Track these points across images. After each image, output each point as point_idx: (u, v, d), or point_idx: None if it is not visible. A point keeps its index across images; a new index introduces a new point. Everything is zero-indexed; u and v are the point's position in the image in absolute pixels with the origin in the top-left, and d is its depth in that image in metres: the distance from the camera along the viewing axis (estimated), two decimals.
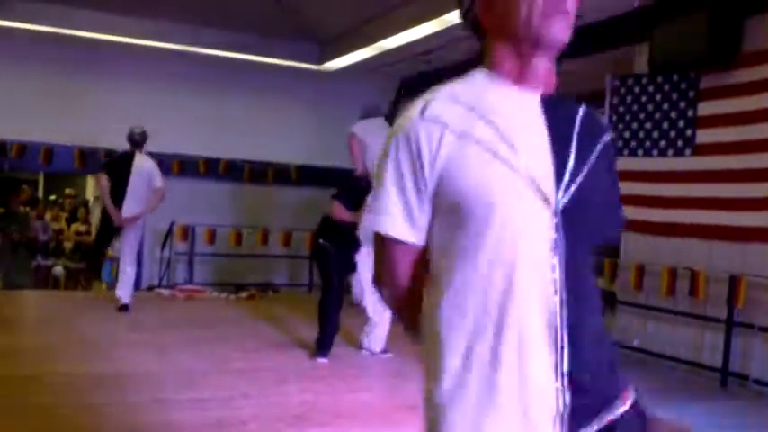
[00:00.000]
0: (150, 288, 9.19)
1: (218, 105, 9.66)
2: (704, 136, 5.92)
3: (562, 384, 1.30)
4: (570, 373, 1.30)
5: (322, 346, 5.50)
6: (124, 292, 7.16)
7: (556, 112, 1.38)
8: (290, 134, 10.03)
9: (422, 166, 1.35)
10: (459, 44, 7.72)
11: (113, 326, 6.50)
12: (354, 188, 5.65)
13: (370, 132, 5.82)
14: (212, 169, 9.68)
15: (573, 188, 1.33)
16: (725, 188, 5.71)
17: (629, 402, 1.42)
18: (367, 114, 6.20)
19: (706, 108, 5.94)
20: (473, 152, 1.31)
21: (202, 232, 9.37)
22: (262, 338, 6.28)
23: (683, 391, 5.38)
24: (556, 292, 1.30)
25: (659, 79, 6.25)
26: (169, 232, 9.35)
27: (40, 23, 8.24)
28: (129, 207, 7.16)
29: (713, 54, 5.68)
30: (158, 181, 7.34)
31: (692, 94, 6.05)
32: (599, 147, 1.42)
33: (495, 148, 1.31)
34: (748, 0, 5.62)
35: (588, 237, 1.39)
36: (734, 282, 5.46)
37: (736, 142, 5.66)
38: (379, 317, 5.68)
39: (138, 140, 7.28)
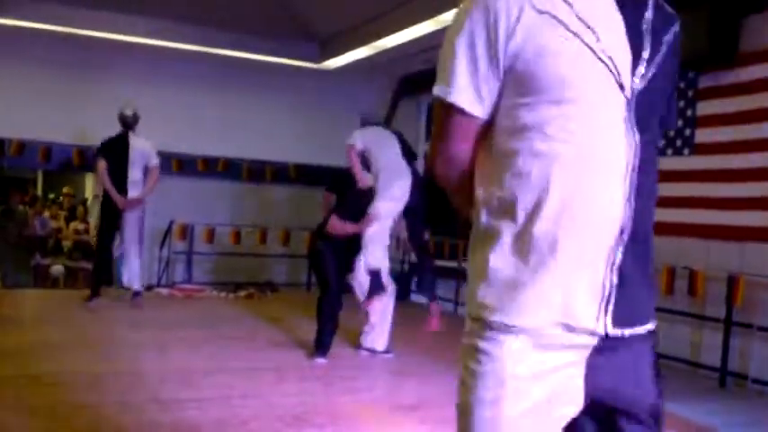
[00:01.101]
0: (149, 287, 9.18)
1: (217, 104, 9.66)
2: (703, 135, 5.93)
3: (610, 272, 1.33)
4: (620, 267, 1.33)
5: (320, 347, 5.49)
6: (134, 279, 7.26)
7: (630, 1, 1.39)
8: (289, 133, 10.02)
9: (497, 38, 1.32)
10: None
11: (112, 325, 6.50)
12: (356, 202, 5.61)
13: (374, 142, 5.67)
14: (211, 168, 9.68)
15: (648, 75, 1.36)
16: (724, 187, 5.72)
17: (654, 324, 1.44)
18: (366, 121, 6.11)
19: (705, 107, 5.95)
20: (552, 28, 1.30)
21: (201, 231, 9.37)
22: (261, 338, 6.28)
23: (681, 390, 5.38)
24: (625, 179, 1.32)
25: None
26: (168, 231, 9.35)
27: (39, 21, 8.23)
28: (132, 188, 7.22)
29: (712, 53, 5.69)
30: (154, 159, 7.33)
31: (690, 93, 6.05)
32: (669, 36, 1.44)
33: (574, 28, 1.30)
34: None
35: (654, 126, 1.41)
36: (732, 281, 5.46)
37: (735, 141, 5.67)
38: (380, 317, 5.67)
39: (129, 121, 7.27)
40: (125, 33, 8.60)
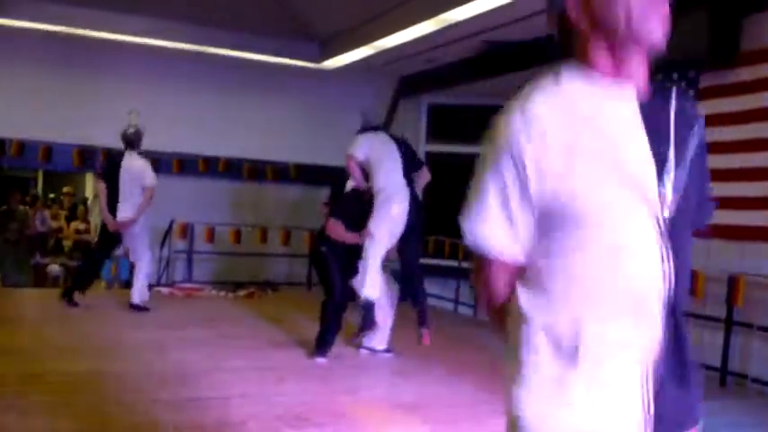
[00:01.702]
0: (149, 287, 9.18)
1: (217, 104, 9.66)
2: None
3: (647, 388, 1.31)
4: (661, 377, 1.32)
5: (322, 346, 5.49)
6: (133, 293, 7.25)
7: (652, 107, 1.37)
8: (289, 132, 10.02)
9: (527, 176, 1.28)
10: (459, 43, 7.74)
11: (112, 325, 6.50)
12: (356, 205, 5.57)
13: (375, 155, 5.58)
14: (211, 167, 9.68)
15: (677, 187, 1.35)
16: (724, 187, 5.71)
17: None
18: (368, 123, 5.93)
19: (705, 107, 5.94)
20: (580, 156, 1.27)
21: (201, 230, 9.37)
22: (261, 337, 6.28)
23: None
24: (661, 304, 1.30)
25: (659, 78, 6.24)
26: (168, 230, 9.35)
27: (39, 22, 8.23)
28: (122, 210, 7.12)
29: (713, 53, 5.69)
30: (148, 180, 7.19)
31: (691, 92, 6.05)
32: (695, 140, 1.44)
33: (600, 152, 1.28)
34: None
35: (688, 229, 1.40)
36: (733, 281, 5.46)
37: (735, 141, 5.67)
38: (382, 316, 5.66)
39: (129, 139, 7.22)
40: (126, 33, 8.60)
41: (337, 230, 5.46)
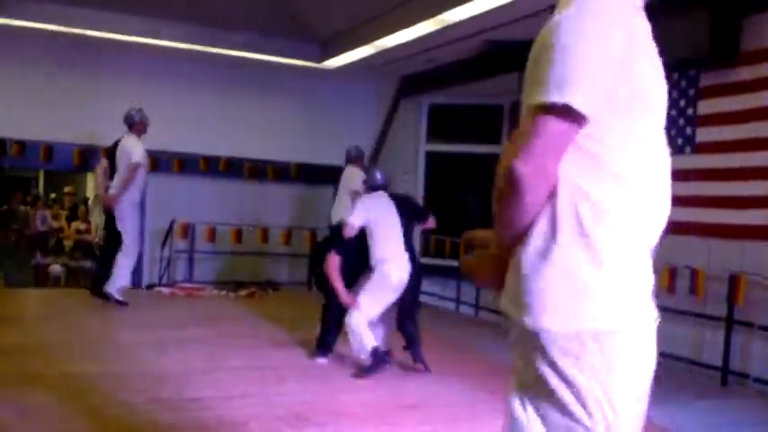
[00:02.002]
0: (150, 286, 9.20)
1: (218, 103, 9.67)
2: (705, 134, 5.92)
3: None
4: None
5: (323, 347, 5.49)
6: (110, 283, 7.20)
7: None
8: (290, 132, 10.03)
9: (619, 56, 1.44)
10: (459, 43, 7.73)
11: (113, 325, 6.50)
12: (360, 239, 5.41)
13: (374, 214, 5.42)
14: (212, 167, 9.68)
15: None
16: (725, 186, 5.71)
17: None
18: (372, 183, 5.68)
19: (706, 106, 5.94)
20: (642, 59, 1.49)
21: (202, 230, 9.38)
22: (262, 337, 6.28)
23: (682, 389, 5.37)
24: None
25: None
26: (169, 230, 9.36)
27: (40, 22, 8.23)
28: (113, 186, 7.27)
29: (713, 52, 5.68)
30: (134, 156, 7.24)
31: (692, 92, 6.04)
32: None
33: (649, 55, 1.52)
34: None
35: None
36: (734, 280, 5.45)
37: (736, 140, 5.66)
38: (382, 317, 5.63)
39: (128, 121, 7.34)
40: (126, 33, 8.60)
41: (333, 270, 5.30)
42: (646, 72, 1.49)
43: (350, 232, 5.33)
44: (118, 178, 7.23)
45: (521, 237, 1.51)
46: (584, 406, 1.47)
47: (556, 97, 1.41)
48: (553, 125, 1.43)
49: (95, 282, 7.45)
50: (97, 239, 10.61)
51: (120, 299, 7.17)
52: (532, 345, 1.50)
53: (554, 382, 1.48)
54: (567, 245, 1.47)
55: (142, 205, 9.33)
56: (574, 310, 1.47)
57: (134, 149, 7.24)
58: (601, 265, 1.47)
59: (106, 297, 7.15)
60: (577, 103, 1.41)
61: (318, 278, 5.73)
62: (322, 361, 5.43)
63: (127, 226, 7.29)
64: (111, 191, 7.25)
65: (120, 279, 7.27)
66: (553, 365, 1.47)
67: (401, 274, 5.28)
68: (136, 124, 7.34)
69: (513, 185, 1.45)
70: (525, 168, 1.43)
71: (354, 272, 5.38)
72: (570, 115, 1.42)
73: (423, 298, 9.24)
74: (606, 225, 1.48)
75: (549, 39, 1.45)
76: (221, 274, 9.80)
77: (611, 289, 1.48)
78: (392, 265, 5.29)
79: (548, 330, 1.47)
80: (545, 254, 1.48)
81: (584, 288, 1.47)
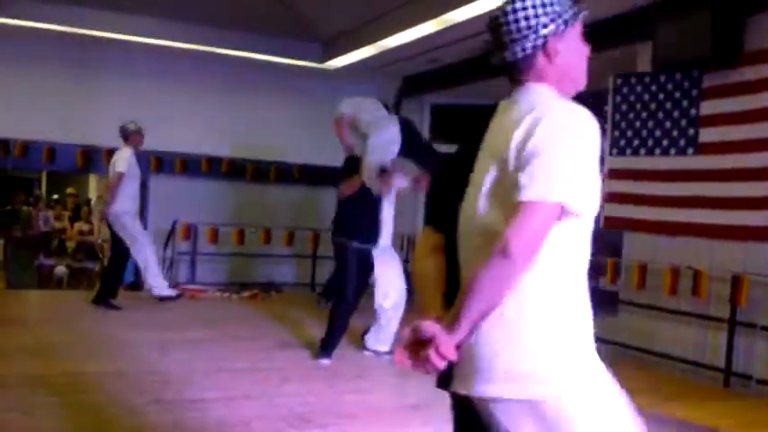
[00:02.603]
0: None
1: (220, 104, 9.66)
2: (707, 135, 5.91)
3: None
4: None
5: (327, 348, 5.46)
6: (150, 286, 7.50)
7: None
8: (292, 133, 10.02)
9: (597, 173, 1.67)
10: (461, 43, 7.73)
11: (115, 326, 6.50)
12: (351, 166, 5.62)
13: (366, 111, 5.64)
14: (215, 168, 9.67)
15: None
16: (728, 187, 5.70)
17: None
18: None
19: (709, 107, 5.93)
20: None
21: (205, 231, 9.38)
22: (264, 338, 6.28)
23: (685, 391, 5.37)
24: None
25: (662, 78, 6.24)
26: (172, 231, 9.36)
27: (43, 22, 8.24)
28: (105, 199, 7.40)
29: (716, 52, 5.67)
30: (118, 166, 7.27)
31: (694, 92, 6.03)
32: None
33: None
34: None
35: None
36: (737, 281, 5.44)
37: (739, 141, 5.65)
38: (387, 318, 5.63)
39: (122, 134, 7.38)
40: (129, 33, 8.61)
41: (351, 186, 5.50)
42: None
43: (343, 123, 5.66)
44: (106, 190, 7.36)
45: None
46: None
47: (553, 197, 1.58)
48: (545, 217, 1.59)
49: (98, 294, 7.38)
50: (100, 240, 10.64)
51: (169, 293, 7.51)
52: (543, 413, 1.65)
53: None
54: (537, 313, 1.66)
55: (142, 210, 9.37)
56: (559, 372, 1.65)
57: (119, 160, 7.28)
58: (567, 328, 1.68)
59: (114, 307, 7.17)
60: (570, 202, 1.60)
61: (342, 261, 5.62)
62: (326, 362, 5.42)
63: (128, 231, 7.32)
64: (102, 204, 7.43)
65: (152, 278, 7.50)
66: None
67: (391, 131, 5.58)
68: (131, 136, 7.35)
69: (508, 261, 1.57)
70: (520, 249, 1.57)
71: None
72: (560, 210, 1.61)
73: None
74: (567, 296, 1.69)
75: (536, 139, 1.62)
76: (224, 276, 9.79)
77: (579, 345, 1.70)
78: (380, 128, 5.50)
79: (544, 395, 1.64)
80: (520, 325, 1.65)
81: (561, 349, 1.66)
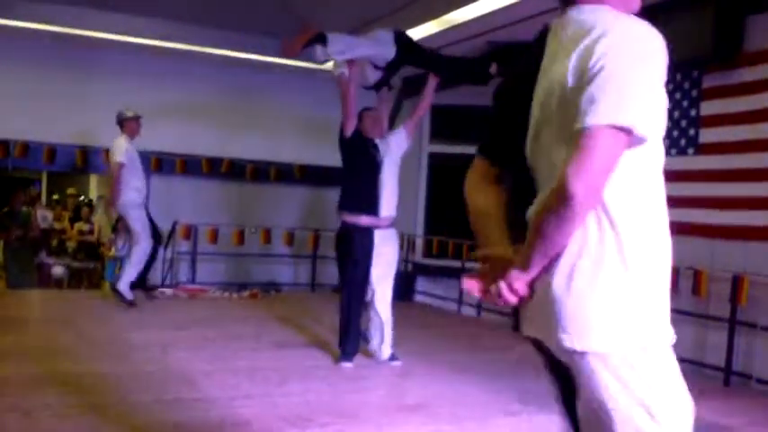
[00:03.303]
0: (153, 287, 9.20)
1: (220, 104, 9.67)
2: (707, 135, 5.92)
3: None
4: None
5: (344, 349, 5.34)
6: (123, 277, 7.24)
7: None
8: (292, 133, 10.03)
9: (662, 79, 1.52)
10: (462, 44, 7.73)
11: (115, 326, 6.51)
12: (361, 187, 5.50)
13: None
14: (215, 168, 9.69)
15: None
16: (728, 187, 5.70)
17: None
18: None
19: (709, 107, 5.93)
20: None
21: (205, 231, 9.38)
22: (264, 338, 6.28)
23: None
24: None
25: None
26: (172, 231, 9.36)
27: (43, 23, 8.25)
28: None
29: (716, 53, 5.67)
30: (116, 156, 7.16)
31: (695, 92, 6.04)
32: None
33: None
34: None
35: None
36: (737, 281, 5.45)
37: (739, 141, 5.66)
38: (387, 319, 5.49)
39: (118, 120, 7.30)
40: (129, 34, 8.62)
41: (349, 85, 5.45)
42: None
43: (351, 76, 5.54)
44: (108, 186, 7.32)
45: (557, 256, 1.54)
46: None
47: (620, 119, 1.42)
48: (612, 145, 1.44)
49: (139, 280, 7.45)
50: (101, 240, 10.64)
51: (130, 298, 7.16)
52: (595, 367, 1.55)
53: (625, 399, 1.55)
54: (612, 263, 1.52)
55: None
56: (630, 327, 1.55)
57: (117, 150, 7.15)
58: (643, 282, 1.55)
59: (118, 295, 7.12)
60: (639, 125, 1.44)
61: (344, 255, 5.48)
62: (347, 365, 5.30)
63: (135, 226, 7.26)
64: (109, 197, 7.33)
65: (127, 276, 7.27)
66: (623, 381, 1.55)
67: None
68: (127, 122, 7.25)
69: (568, 204, 1.44)
70: (582, 188, 1.43)
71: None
72: (628, 136, 1.45)
73: (425, 298, 9.31)
74: (643, 243, 1.55)
75: (599, 57, 1.46)
76: (224, 276, 9.80)
77: (656, 303, 1.59)
78: None
79: (613, 349, 1.54)
80: (594, 274, 1.53)
81: (635, 304, 1.54)
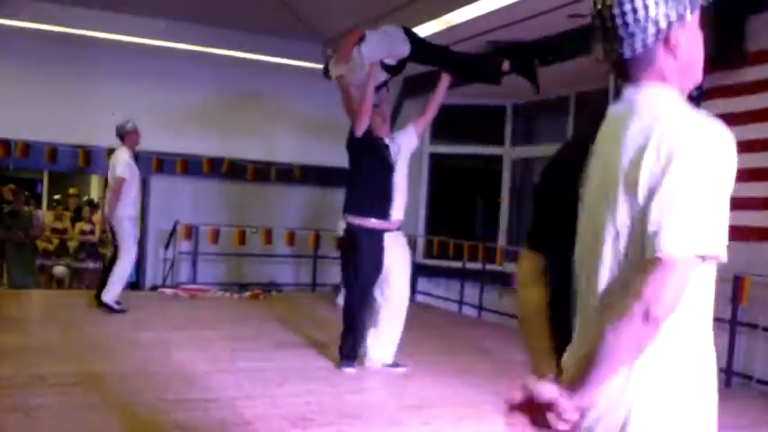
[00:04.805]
0: (154, 288, 9.21)
1: (221, 104, 9.68)
2: None
3: None
4: None
5: (346, 353, 5.23)
6: (110, 287, 7.13)
7: None
8: (293, 133, 10.03)
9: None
10: (462, 44, 7.73)
11: (116, 326, 6.51)
12: (370, 187, 5.36)
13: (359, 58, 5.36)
14: (216, 169, 9.69)
15: None
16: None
17: None
18: None
19: (710, 107, 5.89)
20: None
21: (206, 232, 9.39)
22: (265, 338, 6.28)
23: None
24: None
25: None
26: (173, 232, 9.37)
27: (44, 22, 8.25)
28: (106, 204, 7.29)
29: (717, 53, 5.67)
30: (117, 170, 7.13)
31: (695, 93, 6.02)
32: None
33: None
34: None
35: None
36: (738, 281, 5.44)
37: (741, 142, 5.56)
38: (390, 321, 5.34)
39: (119, 133, 7.27)
40: (132, 34, 8.62)
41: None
42: None
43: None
44: (109, 193, 7.24)
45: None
46: None
47: (703, 249, 1.39)
48: (690, 270, 1.42)
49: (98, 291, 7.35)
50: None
51: (117, 307, 7.07)
52: None
53: None
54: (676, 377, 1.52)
55: (144, 210, 9.36)
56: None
57: (119, 164, 7.14)
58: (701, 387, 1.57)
59: (105, 307, 7.07)
60: (717, 250, 1.41)
61: (349, 254, 5.37)
62: (350, 370, 5.20)
63: (123, 239, 7.18)
64: (105, 207, 7.29)
65: (115, 288, 7.16)
66: None
67: None
68: (128, 135, 7.25)
69: (648, 326, 1.40)
70: (662, 311, 1.40)
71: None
72: (703, 259, 1.42)
73: (426, 299, 9.31)
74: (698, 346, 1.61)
75: (671, 166, 1.38)
76: (225, 276, 9.81)
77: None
78: None
79: None
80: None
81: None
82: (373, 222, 5.26)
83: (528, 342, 1.73)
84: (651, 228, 1.38)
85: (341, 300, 5.83)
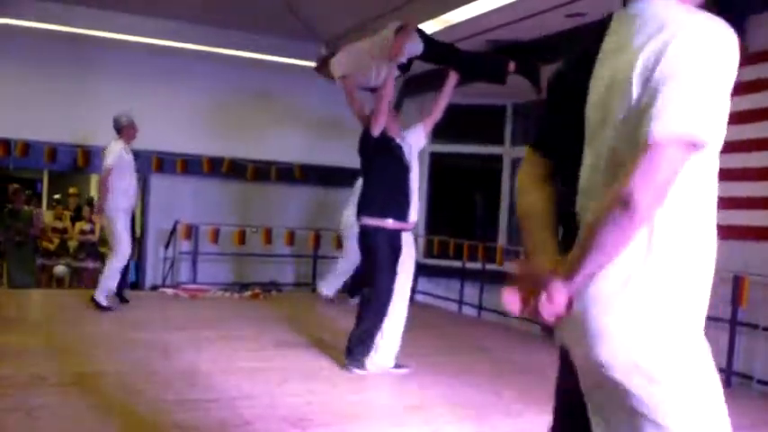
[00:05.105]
0: (154, 287, 9.22)
1: (221, 104, 9.68)
2: None
3: None
4: None
5: (356, 354, 5.17)
6: (102, 283, 7.11)
7: None
8: (293, 133, 10.04)
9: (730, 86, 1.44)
10: (462, 44, 7.72)
11: (116, 326, 6.51)
12: (384, 186, 5.28)
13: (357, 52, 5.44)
14: (216, 168, 9.70)
15: None
16: (730, 187, 5.65)
17: None
18: None
19: None
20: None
21: (206, 231, 9.39)
22: (266, 338, 6.28)
23: None
24: None
25: None
26: (173, 231, 9.37)
27: (44, 22, 8.26)
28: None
29: None
30: (107, 160, 7.08)
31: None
32: None
33: None
34: None
35: None
36: (738, 281, 5.44)
37: (741, 141, 5.64)
38: (391, 323, 5.26)
39: (116, 126, 7.23)
40: (131, 34, 8.63)
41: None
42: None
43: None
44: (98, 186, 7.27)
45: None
46: None
47: (689, 131, 1.39)
48: (679, 155, 1.40)
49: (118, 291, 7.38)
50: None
51: (106, 304, 7.04)
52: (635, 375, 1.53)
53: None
54: (662, 274, 1.52)
55: (144, 210, 9.36)
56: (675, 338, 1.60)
57: (109, 155, 7.09)
58: (693, 290, 1.61)
59: (95, 303, 7.04)
60: (707, 136, 1.41)
61: (371, 254, 5.22)
62: (360, 372, 5.15)
63: (116, 231, 7.11)
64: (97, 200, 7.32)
65: (107, 282, 7.12)
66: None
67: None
68: (124, 128, 7.20)
69: (632, 214, 1.40)
70: (648, 198, 1.39)
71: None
72: (694, 146, 1.42)
73: (425, 299, 9.30)
74: (697, 248, 1.59)
75: (670, 60, 1.41)
76: (225, 276, 9.81)
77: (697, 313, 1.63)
78: None
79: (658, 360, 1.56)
80: (647, 283, 1.51)
81: (679, 314, 1.60)
82: (391, 223, 5.18)
83: (532, 238, 1.70)
84: (642, 115, 1.41)
85: (354, 300, 5.77)
